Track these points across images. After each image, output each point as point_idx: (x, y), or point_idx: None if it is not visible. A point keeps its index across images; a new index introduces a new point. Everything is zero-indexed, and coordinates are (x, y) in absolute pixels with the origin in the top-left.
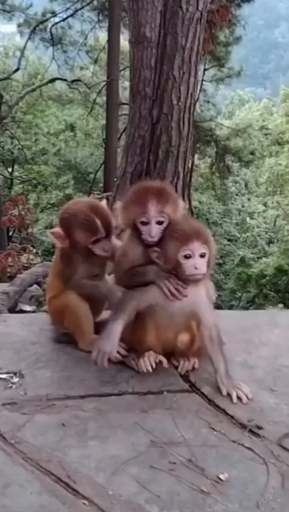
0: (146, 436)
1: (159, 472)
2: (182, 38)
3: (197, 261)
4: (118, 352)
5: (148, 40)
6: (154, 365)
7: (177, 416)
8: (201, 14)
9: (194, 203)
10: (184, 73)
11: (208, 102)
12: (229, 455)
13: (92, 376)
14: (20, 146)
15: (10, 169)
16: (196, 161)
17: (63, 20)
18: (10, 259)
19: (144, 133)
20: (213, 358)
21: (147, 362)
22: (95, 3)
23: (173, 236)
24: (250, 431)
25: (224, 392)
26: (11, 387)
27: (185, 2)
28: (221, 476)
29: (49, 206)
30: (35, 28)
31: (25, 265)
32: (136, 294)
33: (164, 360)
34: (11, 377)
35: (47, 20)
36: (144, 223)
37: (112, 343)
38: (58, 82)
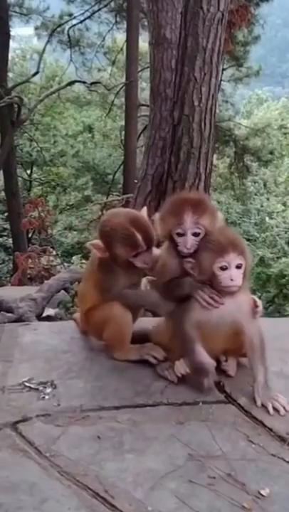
0: (184, 449)
1: (199, 487)
2: (203, 39)
3: (233, 272)
4: (155, 357)
5: (168, 42)
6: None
7: (214, 428)
8: (223, 15)
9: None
10: (205, 74)
11: (227, 101)
12: (269, 469)
13: (126, 386)
14: (38, 148)
15: (29, 171)
16: (215, 161)
17: (81, 22)
18: (30, 261)
19: (164, 134)
20: (254, 367)
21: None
22: (112, 4)
23: (208, 247)
24: None
25: (258, 403)
26: (44, 397)
27: (206, 3)
28: (262, 492)
29: (68, 207)
30: (53, 31)
31: (46, 267)
32: (184, 318)
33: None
34: (44, 387)
35: (65, 23)
36: (180, 235)
37: (210, 364)
38: (75, 83)
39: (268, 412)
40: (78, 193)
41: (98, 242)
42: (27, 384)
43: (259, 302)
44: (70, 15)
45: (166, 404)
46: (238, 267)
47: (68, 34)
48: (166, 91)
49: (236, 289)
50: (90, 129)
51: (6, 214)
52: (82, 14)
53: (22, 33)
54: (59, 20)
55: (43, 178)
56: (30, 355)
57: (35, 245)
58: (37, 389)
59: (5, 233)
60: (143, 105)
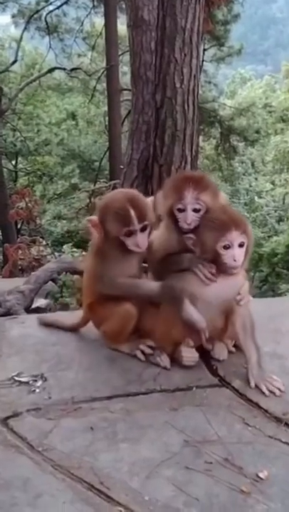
0: (179, 436)
1: (196, 473)
2: (182, 20)
3: (236, 251)
4: (143, 352)
5: (146, 24)
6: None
7: (209, 412)
8: None
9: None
10: (185, 55)
11: (210, 82)
12: (266, 451)
13: (118, 375)
14: (22, 138)
15: (14, 162)
16: (201, 143)
17: (58, 8)
18: (20, 252)
19: (148, 118)
20: (245, 347)
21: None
22: None
23: (210, 226)
24: (286, 424)
25: (252, 384)
26: (35, 391)
27: None
28: (260, 474)
29: (55, 196)
30: (30, 18)
31: (36, 257)
32: (177, 284)
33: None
34: (34, 380)
35: (42, 9)
36: (180, 210)
37: (201, 322)
38: (56, 70)
39: (262, 393)
40: (65, 181)
41: (95, 217)
42: (16, 378)
43: (245, 289)
44: (47, 1)
45: (159, 391)
46: (241, 245)
47: (46, 20)
48: (147, 74)
49: (238, 269)
50: (73, 116)
51: None
52: None
53: None
54: (36, 6)
55: (28, 168)
56: (18, 349)
57: (25, 236)
58: (27, 383)
59: None
60: (125, 89)
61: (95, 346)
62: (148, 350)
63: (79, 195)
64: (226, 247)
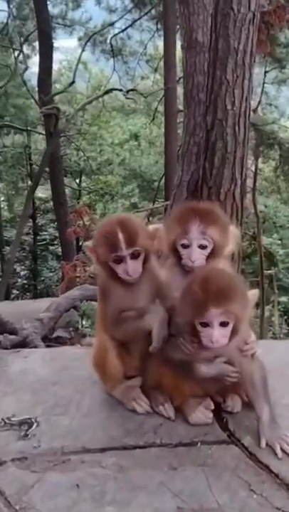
0: (173, 501)
1: None
2: (234, 41)
3: (215, 332)
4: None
5: (200, 45)
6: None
7: (211, 474)
8: (254, 15)
9: (260, 207)
10: (237, 77)
11: (271, 104)
12: None
13: (116, 424)
14: (85, 158)
15: (78, 180)
16: (260, 165)
17: (122, 31)
18: (78, 270)
19: (199, 140)
20: (256, 405)
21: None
22: (153, 12)
23: (186, 299)
24: None
25: (262, 444)
26: (25, 436)
27: (236, 3)
28: None
29: None
30: (89, 40)
31: (92, 275)
32: (171, 353)
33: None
34: (26, 425)
35: (102, 29)
36: (184, 246)
37: (225, 368)
38: (114, 91)
39: (275, 454)
40: (125, 200)
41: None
42: (7, 422)
43: (251, 339)
44: (112, 24)
45: (158, 446)
46: (224, 324)
47: (111, 43)
48: (199, 95)
49: (219, 350)
50: (135, 136)
51: (56, 223)
52: (124, 23)
53: (68, 45)
54: (101, 30)
55: (91, 187)
56: (16, 387)
57: (85, 253)
58: (18, 427)
59: (56, 242)
60: (182, 111)
61: (98, 388)
62: (142, 410)
63: (137, 214)
64: (204, 325)
